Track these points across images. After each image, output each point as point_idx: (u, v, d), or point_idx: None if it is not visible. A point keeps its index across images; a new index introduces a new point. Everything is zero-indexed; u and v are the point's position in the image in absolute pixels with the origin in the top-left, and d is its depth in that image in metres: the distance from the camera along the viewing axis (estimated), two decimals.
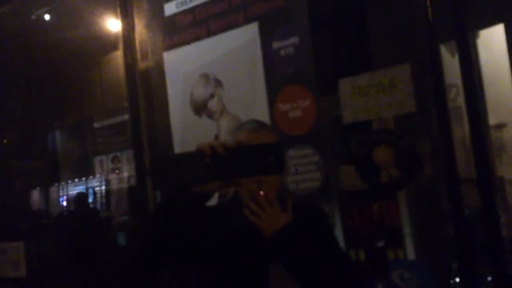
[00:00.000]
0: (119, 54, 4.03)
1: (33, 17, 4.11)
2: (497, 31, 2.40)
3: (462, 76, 1.97)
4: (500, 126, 2.84)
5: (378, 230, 2.53)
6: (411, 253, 2.38)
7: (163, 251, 1.21)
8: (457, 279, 2.12)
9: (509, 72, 2.29)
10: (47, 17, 4.12)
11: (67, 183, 5.03)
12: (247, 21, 2.45)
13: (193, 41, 2.63)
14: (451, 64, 2.22)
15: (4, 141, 4.90)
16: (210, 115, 2.58)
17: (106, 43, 4.17)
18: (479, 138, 1.95)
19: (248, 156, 1.14)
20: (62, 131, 4.97)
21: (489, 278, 1.98)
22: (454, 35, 2.00)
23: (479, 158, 1.93)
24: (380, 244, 2.53)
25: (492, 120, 2.57)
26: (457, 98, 2.41)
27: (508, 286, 1.90)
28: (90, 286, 3.61)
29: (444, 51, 2.32)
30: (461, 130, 2.38)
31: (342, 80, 2.17)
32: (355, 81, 2.14)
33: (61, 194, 5.39)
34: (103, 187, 4.25)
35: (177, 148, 2.68)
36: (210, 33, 2.57)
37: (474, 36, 2.42)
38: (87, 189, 4.98)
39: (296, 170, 2.29)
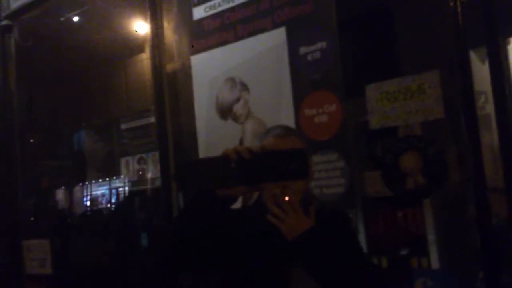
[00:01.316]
0: (144, 57, 4.09)
1: (62, 19, 4.19)
2: None
3: (492, 83, 1.95)
4: None
5: (402, 238, 2.51)
6: (435, 262, 2.35)
7: (186, 254, 1.22)
8: None
9: None
10: (75, 19, 4.20)
11: (91, 182, 5.12)
12: (275, 25, 2.45)
13: (220, 45, 2.65)
14: (480, 70, 2.19)
15: (31, 140, 5.00)
16: (236, 119, 2.59)
17: (133, 46, 4.23)
18: (508, 146, 1.92)
19: (273, 162, 1.15)
20: (89, 131, 5.05)
21: None
22: (485, 41, 1.98)
23: (507, 166, 1.91)
24: (404, 252, 2.51)
25: None
26: (486, 105, 2.38)
27: None
28: (114, 285, 3.66)
29: (473, 57, 2.29)
30: (490, 138, 2.34)
31: (368, 85, 2.16)
32: (383, 87, 2.13)
33: (85, 193, 5.48)
34: (127, 188, 4.31)
35: (202, 151, 2.70)
36: (238, 38, 2.58)
37: (505, 43, 2.39)
38: (110, 189, 5.05)
39: None
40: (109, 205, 5.38)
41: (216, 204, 1.19)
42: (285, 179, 1.18)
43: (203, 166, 1.22)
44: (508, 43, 2.45)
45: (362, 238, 2.54)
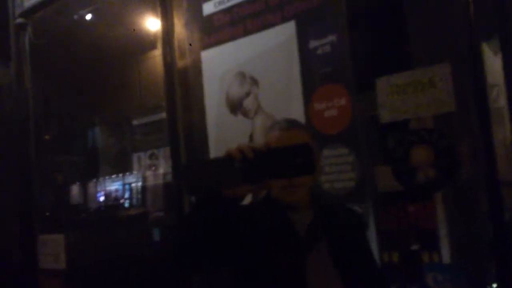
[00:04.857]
0: (157, 53, 4.11)
1: (75, 17, 4.23)
2: None
3: (504, 75, 1.92)
4: None
5: (413, 233, 2.48)
6: (446, 257, 2.32)
7: (197, 252, 1.22)
8: (494, 285, 2.06)
9: None
10: (88, 17, 4.24)
11: (105, 178, 5.17)
12: (284, 20, 2.45)
13: (230, 40, 2.65)
14: (493, 63, 2.16)
15: (46, 136, 5.06)
16: (246, 114, 2.59)
17: (145, 42, 4.25)
18: None
19: (277, 158, 1.13)
20: (102, 127, 5.10)
21: None
22: (497, 32, 1.95)
23: None
24: (415, 247, 2.49)
25: None
26: (499, 98, 2.34)
27: None
28: (126, 280, 3.68)
29: (486, 50, 2.25)
30: (503, 132, 2.31)
31: (379, 78, 2.14)
32: (393, 80, 2.11)
33: (99, 188, 5.53)
34: (140, 183, 4.35)
35: (213, 146, 2.71)
36: (247, 32, 2.59)
37: None
38: (123, 184, 5.09)
39: None
40: (122, 201, 5.43)
41: (222, 204, 1.19)
42: (290, 176, 1.16)
43: (208, 168, 1.20)
44: None
45: (372, 233, 2.52)
